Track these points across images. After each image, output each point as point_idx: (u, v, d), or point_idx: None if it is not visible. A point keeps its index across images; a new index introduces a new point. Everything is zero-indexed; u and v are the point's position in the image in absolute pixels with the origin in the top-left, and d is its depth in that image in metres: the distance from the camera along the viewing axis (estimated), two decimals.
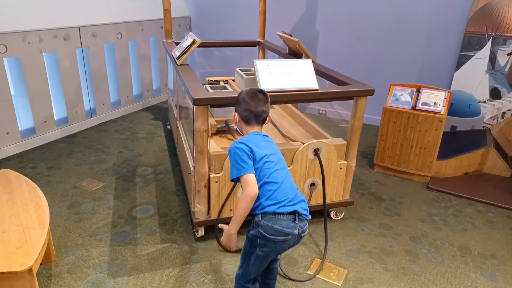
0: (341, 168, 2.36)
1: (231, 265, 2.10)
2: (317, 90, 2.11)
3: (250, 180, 1.42)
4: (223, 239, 1.50)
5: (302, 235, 1.48)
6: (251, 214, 1.47)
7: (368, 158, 3.48)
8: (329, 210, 2.52)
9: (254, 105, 1.54)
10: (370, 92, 2.21)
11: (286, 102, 2.12)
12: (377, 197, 2.87)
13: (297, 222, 1.44)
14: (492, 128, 3.52)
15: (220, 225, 1.54)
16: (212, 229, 2.33)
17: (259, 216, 1.44)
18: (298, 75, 2.10)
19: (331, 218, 2.55)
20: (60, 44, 3.46)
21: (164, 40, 3.55)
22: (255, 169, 1.45)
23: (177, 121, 3.05)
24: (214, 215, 2.22)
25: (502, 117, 3.53)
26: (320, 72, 2.56)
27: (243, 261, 1.57)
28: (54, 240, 2.23)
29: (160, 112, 4.47)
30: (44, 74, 3.39)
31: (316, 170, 2.29)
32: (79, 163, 3.17)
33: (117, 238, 2.29)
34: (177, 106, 3.10)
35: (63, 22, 3.47)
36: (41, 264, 2.03)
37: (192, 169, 2.19)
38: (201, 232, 2.29)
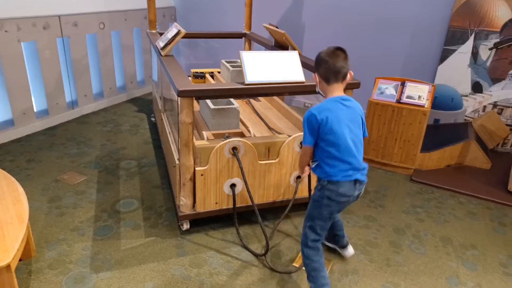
0: None
1: (217, 258, 2.09)
2: (303, 82, 2.10)
3: (305, 152, 1.71)
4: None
5: (360, 194, 1.71)
6: (318, 176, 1.69)
7: None
8: None
9: (333, 62, 1.58)
10: (356, 85, 2.22)
11: (273, 95, 2.11)
12: None
13: (357, 185, 1.65)
14: (473, 121, 3.59)
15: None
16: (197, 223, 2.31)
17: (325, 181, 1.64)
18: (285, 67, 2.09)
19: None
20: (40, 33, 3.35)
21: (148, 30, 3.48)
22: (320, 143, 1.62)
23: (162, 113, 3.00)
24: (199, 208, 2.20)
25: (483, 110, 3.60)
26: (306, 65, 2.55)
27: (310, 223, 1.74)
28: (35, 235, 2.17)
29: (144, 104, 4.39)
30: (22, 64, 3.27)
31: None
32: (60, 156, 3.09)
33: (100, 233, 2.25)
34: (162, 98, 3.04)
35: (42, 10, 3.35)
36: (20, 260, 1.98)
37: (177, 162, 2.16)
38: (186, 225, 2.26)
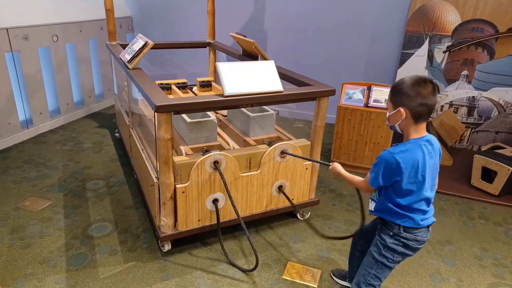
0: (306, 169, 2.36)
1: (204, 278, 2.01)
2: (282, 92, 2.08)
3: (368, 189, 1.54)
4: (332, 168, 1.75)
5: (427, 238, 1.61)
6: (389, 221, 1.52)
7: (325, 155, 3.55)
8: (296, 211, 2.52)
9: (431, 98, 1.35)
10: (332, 92, 2.24)
11: (252, 105, 2.07)
12: (338, 193, 2.93)
13: (429, 230, 1.55)
14: (433, 120, 3.77)
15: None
16: (180, 243, 2.21)
17: (401, 228, 1.50)
18: (262, 77, 2.06)
19: (298, 218, 2.55)
20: None
21: (107, 42, 3.31)
22: (398, 189, 1.45)
23: (130, 129, 2.85)
24: (181, 227, 2.11)
25: (441, 110, 3.80)
26: (279, 74, 2.54)
27: (372, 271, 1.60)
28: None
29: (105, 119, 4.18)
30: None
31: (283, 172, 2.28)
32: (18, 181, 2.84)
33: (73, 262, 2.07)
34: (129, 112, 2.90)
35: None
36: None
37: (155, 180, 2.05)
38: (167, 246, 2.15)
